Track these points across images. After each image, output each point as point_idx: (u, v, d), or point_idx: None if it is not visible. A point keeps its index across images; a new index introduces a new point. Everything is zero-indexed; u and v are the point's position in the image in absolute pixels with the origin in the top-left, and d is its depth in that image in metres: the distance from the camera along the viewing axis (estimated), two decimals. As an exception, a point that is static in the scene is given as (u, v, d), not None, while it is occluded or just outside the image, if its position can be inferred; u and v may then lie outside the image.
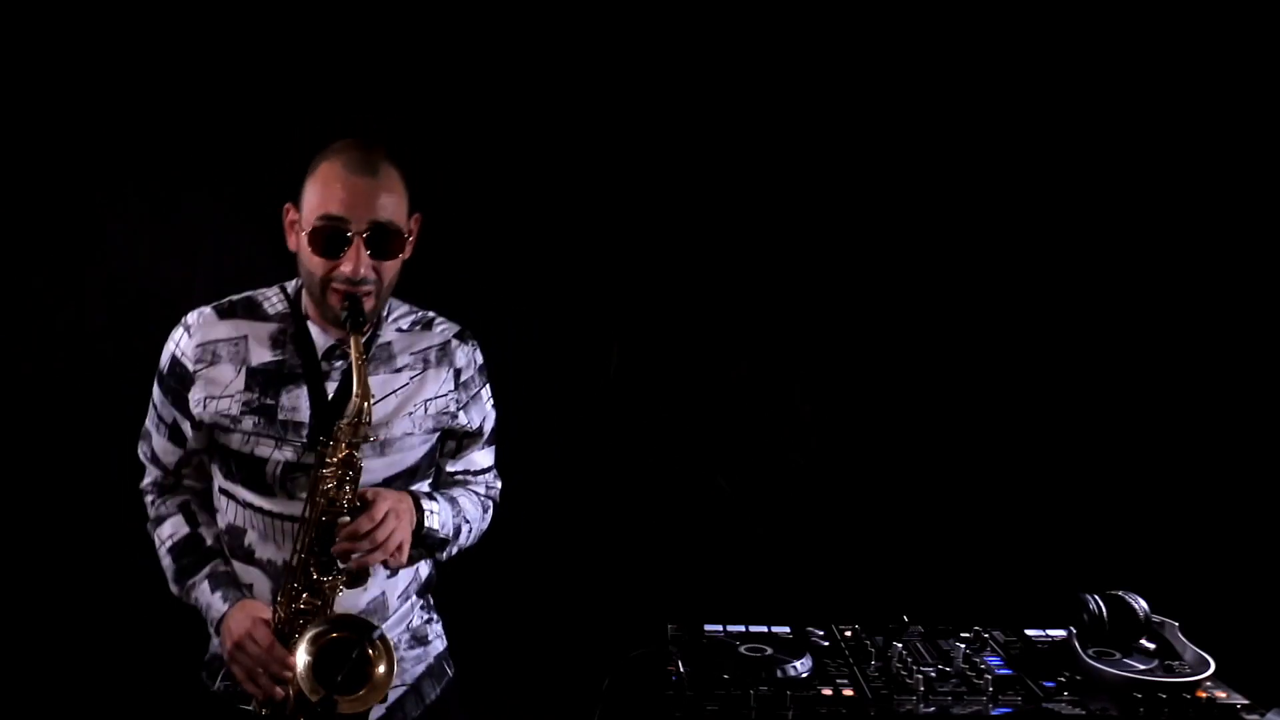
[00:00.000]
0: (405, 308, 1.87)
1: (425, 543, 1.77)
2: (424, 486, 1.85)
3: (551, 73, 2.57)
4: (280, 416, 1.70)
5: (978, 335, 2.61)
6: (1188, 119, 2.50)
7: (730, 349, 2.68)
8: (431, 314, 1.88)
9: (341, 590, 1.67)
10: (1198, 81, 2.49)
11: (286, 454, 1.70)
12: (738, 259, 2.65)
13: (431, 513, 1.75)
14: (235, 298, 1.78)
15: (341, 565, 1.64)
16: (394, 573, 1.79)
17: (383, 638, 1.62)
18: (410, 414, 1.78)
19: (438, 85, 2.55)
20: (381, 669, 1.60)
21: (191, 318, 1.75)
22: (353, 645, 1.60)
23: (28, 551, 2.50)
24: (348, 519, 1.61)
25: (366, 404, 1.61)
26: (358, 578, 1.66)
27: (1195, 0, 2.47)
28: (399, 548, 1.65)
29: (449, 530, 1.80)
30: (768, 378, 2.69)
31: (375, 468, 1.73)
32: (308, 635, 1.60)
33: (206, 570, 1.76)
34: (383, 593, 1.81)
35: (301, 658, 1.58)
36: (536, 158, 2.59)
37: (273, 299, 1.78)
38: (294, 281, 1.78)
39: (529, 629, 2.58)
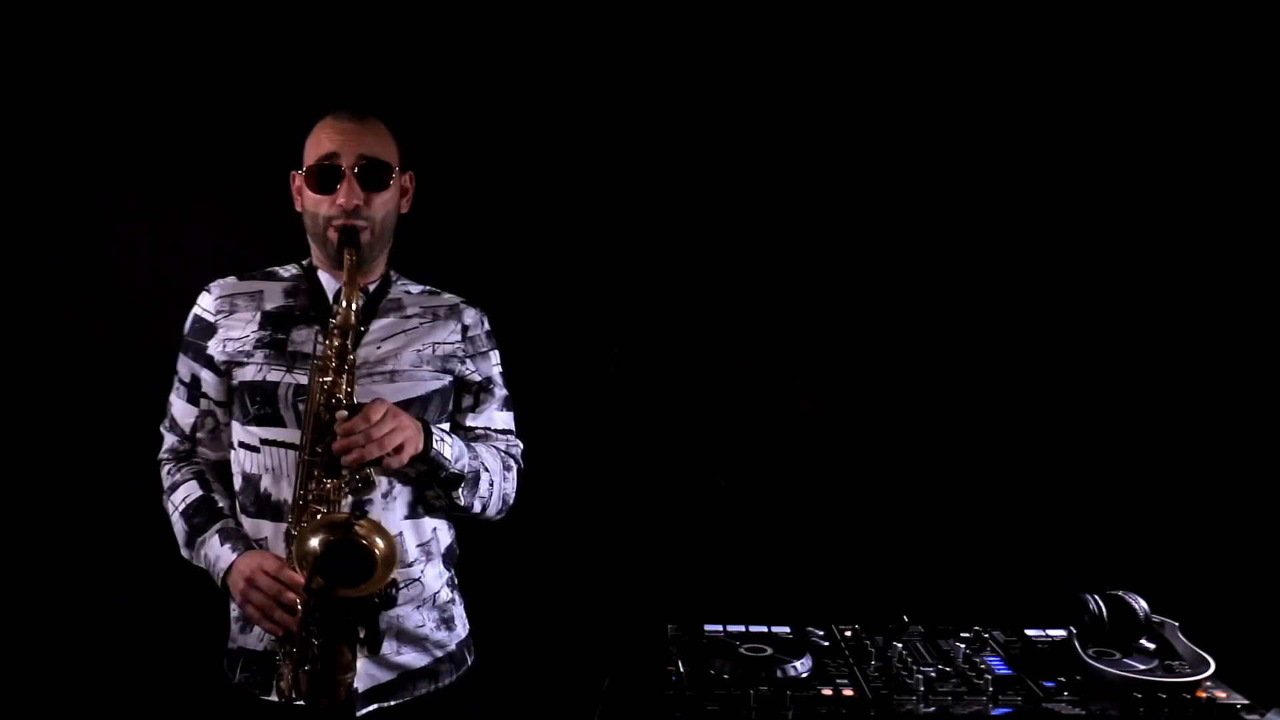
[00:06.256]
0: (411, 280, 2.00)
1: (438, 474, 1.80)
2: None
3: (551, 74, 2.57)
4: (290, 349, 1.82)
5: (977, 335, 2.61)
6: (1188, 119, 2.50)
7: (730, 348, 2.69)
8: (437, 289, 2.02)
9: (347, 495, 1.70)
10: (1198, 81, 2.49)
11: (298, 378, 1.79)
12: (738, 259, 2.65)
13: (442, 439, 1.79)
14: (255, 271, 1.95)
15: (345, 469, 1.67)
16: (392, 485, 1.82)
17: (364, 518, 1.65)
18: (418, 350, 1.89)
19: (437, 83, 2.55)
20: (381, 546, 1.63)
21: (214, 283, 1.91)
22: (342, 534, 1.62)
23: (46, 549, 2.51)
24: (346, 414, 1.66)
25: (356, 301, 1.72)
26: (363, 484, 1.68)
27: (1195, 0, 2.47)
28: (399, 448, 1.69)
29: (464, 466, 1.82)
30: (768, 376, 2.69)
31: (384, 393, 1.79)
32: (309, 537, 1.63)
33: (217, 526, 1.82)
34: (399, 534, 1.82)
35: (307, 550, 1.61)
36: (537, 157, 2.59)
37: (289, 267, 1.96)
38: (308, 259, 1.95)
39: (529, 629, 2.57)
